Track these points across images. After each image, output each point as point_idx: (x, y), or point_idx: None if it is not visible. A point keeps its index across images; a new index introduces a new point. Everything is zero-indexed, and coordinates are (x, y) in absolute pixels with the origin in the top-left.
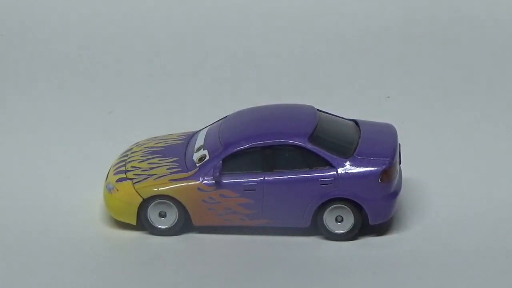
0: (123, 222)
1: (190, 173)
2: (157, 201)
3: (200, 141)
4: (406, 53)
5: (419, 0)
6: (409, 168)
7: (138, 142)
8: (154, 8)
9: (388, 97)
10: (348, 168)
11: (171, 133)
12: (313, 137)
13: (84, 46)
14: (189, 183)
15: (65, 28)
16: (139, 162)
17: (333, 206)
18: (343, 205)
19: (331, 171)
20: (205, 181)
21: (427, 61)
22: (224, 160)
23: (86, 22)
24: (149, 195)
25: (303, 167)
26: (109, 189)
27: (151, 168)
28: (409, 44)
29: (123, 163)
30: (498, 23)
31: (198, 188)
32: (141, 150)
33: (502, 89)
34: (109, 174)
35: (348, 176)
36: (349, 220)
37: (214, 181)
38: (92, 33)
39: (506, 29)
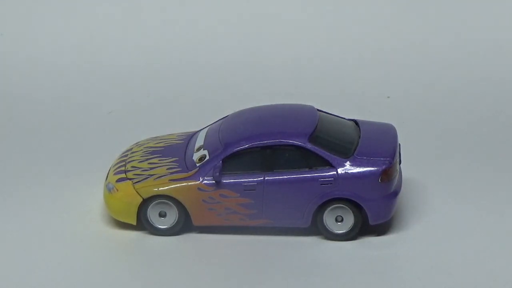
0: (123, 222)
1: (190, 173)
2: (157, 201)
3: (200, 141)
4: (406, 52)
5: (419, 0)
6: (409, 168)
7: (138, 142)
8: (155, 8)
9: (388, 97)
10: (348, 168)
11: (171, 133)
12: (313, 137)
13: (84, 46)
14: (189, 183)
15: (65, 28)
16: (139, 162)
17: (333, 206)
18: (343, 205)
19: (331, 171)
20: (205, 181)
21: (427, 61)
22: (224, 160)
23: (86, 21)
24: (149, 195)
25: (303, 167)
26: (109, 189)
27: (151, 168)
28: (409, 44)
29: (123, 163)
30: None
31: (198, 188)
32: (141, 150)
33: (503, 88)
34: (109, 174)
35: (348, 176)
36: (349, 220)
37: (214, 181)
38: (92, 32)
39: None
